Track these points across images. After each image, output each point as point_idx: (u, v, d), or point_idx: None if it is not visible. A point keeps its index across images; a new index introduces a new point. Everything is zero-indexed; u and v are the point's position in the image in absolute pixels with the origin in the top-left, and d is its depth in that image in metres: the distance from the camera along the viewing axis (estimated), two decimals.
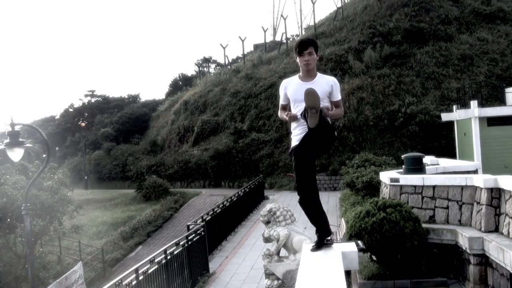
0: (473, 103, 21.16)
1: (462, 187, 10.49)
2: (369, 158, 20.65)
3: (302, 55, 4.63)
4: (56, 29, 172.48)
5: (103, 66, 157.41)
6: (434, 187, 11.08)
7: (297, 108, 4.64)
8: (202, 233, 12.78)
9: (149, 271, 8.88)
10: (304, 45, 4.64)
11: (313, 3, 44.48)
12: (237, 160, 32.06)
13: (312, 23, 46.71)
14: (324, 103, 4.60)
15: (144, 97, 78.23)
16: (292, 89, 4.72)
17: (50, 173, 16.98)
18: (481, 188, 9.79)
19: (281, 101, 4.89)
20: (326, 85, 4.66)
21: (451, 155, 22.60)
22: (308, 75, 4.70)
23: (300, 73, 4.79)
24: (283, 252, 7.41)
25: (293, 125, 4.76)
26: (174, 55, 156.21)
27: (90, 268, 18.99)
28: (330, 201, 21.75)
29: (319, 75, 4.74)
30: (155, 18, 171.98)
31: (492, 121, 21.03)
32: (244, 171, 31.64)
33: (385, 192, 12.73)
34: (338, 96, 4.75)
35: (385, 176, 12.75)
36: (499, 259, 8.35)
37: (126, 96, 66.02)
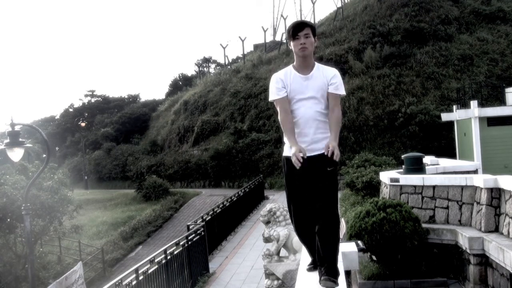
0: (473, 103, 21.16)
1: (462, 187, 10.49)
2: (369, 158, 20.67)
3: (297, 37, 3.71)
4: (56, 29, 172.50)
5: (103, 66, 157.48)
6: (434, 187, 11.09)
7: (297, 106, 3.82)
8: (202, 233, 12.79)
9: (149, 271, 8.88)
10: (300, 26, 3.73)
11: (313, 3, 44.47)
12: (237, 160, 32.04)
13: None
14: (322, 103, 3.81)
15: (144, 97, 78.00)
16: (291, 84, 3.82)
17: (50, 173, 16.97)
18: (481, 188, 9.79)
19: (278, 95, 3.87)
20: (325, 78, 3.82)
21: (451, 155, 22.60)
22: (305, 65, 3.80)
23: (295, 63, 3.87)
24: (283, 252, 7.42)
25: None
26: (174, 55, 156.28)
27: (90, 268, 18.98)
28: None
29: (317, 65, 3.87)
30: (155, 18, 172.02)
31: (492, 121, 21.03)
32: (244, 171, 31.63)
33: (385, 192, 12.73)
34: (342, 90, 3.88)
35: (385, 176, 12.76)
36: (499, 259, 8.35)
37: (126, 96, 65.99)
